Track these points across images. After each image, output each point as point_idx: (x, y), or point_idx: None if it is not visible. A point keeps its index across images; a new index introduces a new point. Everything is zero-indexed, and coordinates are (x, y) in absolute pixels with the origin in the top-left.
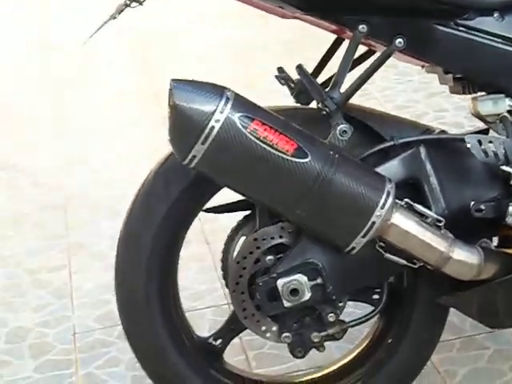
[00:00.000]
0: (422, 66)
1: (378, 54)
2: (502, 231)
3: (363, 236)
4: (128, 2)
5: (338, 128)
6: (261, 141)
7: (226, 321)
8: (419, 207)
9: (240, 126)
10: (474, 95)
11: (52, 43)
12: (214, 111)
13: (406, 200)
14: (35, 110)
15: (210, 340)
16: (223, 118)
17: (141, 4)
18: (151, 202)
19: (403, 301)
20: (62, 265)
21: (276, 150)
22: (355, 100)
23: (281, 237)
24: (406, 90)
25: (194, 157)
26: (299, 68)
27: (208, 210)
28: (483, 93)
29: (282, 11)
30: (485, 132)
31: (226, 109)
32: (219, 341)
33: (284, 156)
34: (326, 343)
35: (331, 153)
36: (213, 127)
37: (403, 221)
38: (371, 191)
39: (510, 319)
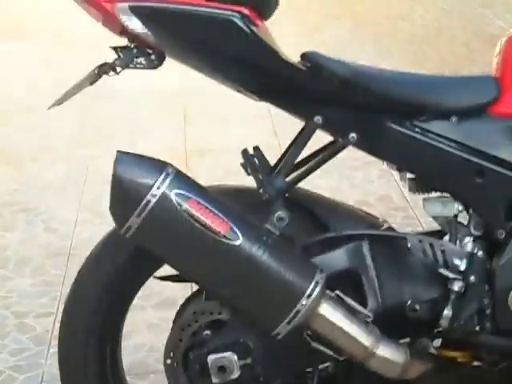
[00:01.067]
0: None
1: None
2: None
3: (288, 323)
4: (99, 71)
5: (275, 215)
6: (194, 219)
7: None
8: (349, 300)
9: (175, 203)
10: (425, 196)
11: None
12: (152, 186)
13: (337, 292)
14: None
15: None
16: (159, 193)
17: (117, 74)
18: (98, 267)
19: None
20: (49, 312)
21: (208, 229)
22: None
23: (219, 313)
24: None
25: (130, 228)
26: (243, 153)
27: (161, 278)
28: (435, 194)
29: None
30: (439, 233)
31: (163, 185)
32: None
33: (215, 237)
34: None
35: (264, 238)
36: (148, 201)
37: (330, 312)
38: (299, 279)
39: None
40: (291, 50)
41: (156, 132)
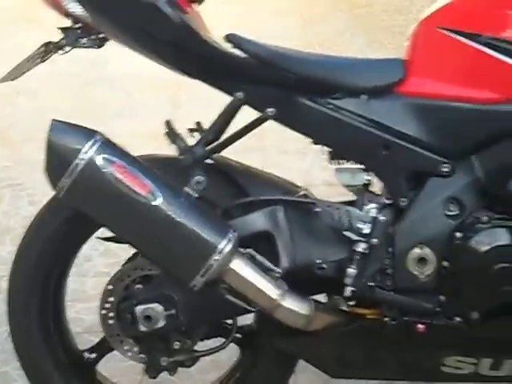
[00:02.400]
0: None
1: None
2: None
3: (202, 276)
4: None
5: (194, 179)
6: (118, 181)
7: (100, 338)
8: (260, 258)
9: (100, 167)
10: (337, 166)
11: None
12: (80, 151)
13: (249, 250)
14: None
15: (85, 354)
16: (87, 157)
17: (66, 52)
18: (42, 226)
19: (254, 341)
20: None
21: (131, 191)
22: None
23: (149, 269)
24: None
25: (62, 188)
26: (167, 123)
27: (104, 239)
28: (349, 164)
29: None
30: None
31: (91, 150)
32: (93, 355)
33: (137, 197)
34: None
35: (182, 199)
36: (77, 164)
37: (241, 267)
38: (213, 237)
39: (342, 369)
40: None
41: (145, 116)
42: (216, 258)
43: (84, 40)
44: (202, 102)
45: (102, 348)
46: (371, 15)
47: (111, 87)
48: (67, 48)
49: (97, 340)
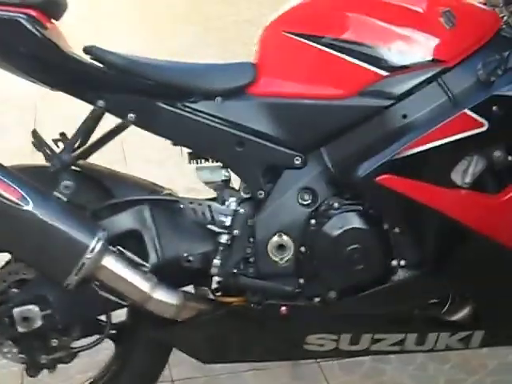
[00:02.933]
0: None
1: None
2: (221, 283)
3: (76, 274)
4: None
5: (62, 184)
6: None
7: None
8: (129, 254)
9: None
10: (197, 165)
11: None
12: None
13: (118, 247)
14: None
15: None
16: None
17: None
18: None
19: (127, 334)
20: None
21: (2, 197)
22: None
23: (24, 273)
24: None
25: None
26: (33, 132)
27: None
28: (208, 163)
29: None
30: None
31: None
32: None
33: (9, 203)
34: None
35: (52, 203)
36: None
37: (112, 264)
38: (83, 237)
39: (213, 355)
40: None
41: (5, 135)
42: (88, 256)
43: None
44: (60, 119)
45: None
46: (223, 28)
47: None
48: None
49: None
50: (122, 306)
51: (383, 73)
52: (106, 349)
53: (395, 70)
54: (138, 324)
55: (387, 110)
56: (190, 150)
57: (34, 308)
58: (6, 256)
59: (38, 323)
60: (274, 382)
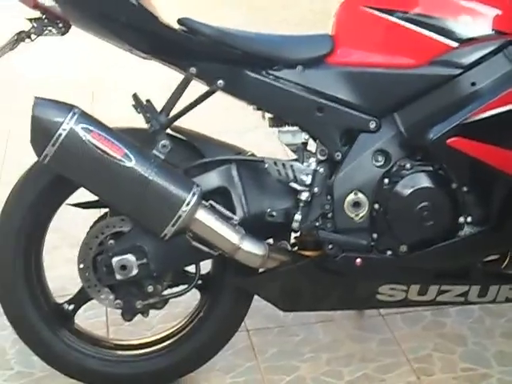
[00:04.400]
0: None
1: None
2: (299, 238)
3: (172, 225)
4: (18, 38)
5: (160, 143)
6: (96, 147)
7: (78, 290)
8: (220, 208)
9: (80, 135)
10: (280, 128)
11: None
12: (62, 122)
13: (210, 202)
14: None
15: (65, 305)
16: (68, 127)
17: (32, 41)
18: (22, 192)
19: (213, 284)
20: None
21: (107, 155)
22: None
23: (120, 226)
24: None
25: (47, 155)
26: (134, 96)
27: (74, 205)
28: (288, 127)
29: (138, 54)
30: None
31: (71, 121)
32: (71, 306)
33: (114, 160)
34: None
35: (152, 160)
36: (60, 134)
37: (205, 217)
38: (180, 191)
39: (291, 303)
40: None
41: None
42: (184, 209)
43: (50, 28)
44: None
45: (79, 299)
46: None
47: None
48: (33, 37)
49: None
50: (211, 256)
51: (453, 44)
52: (184, 301)
53: (464, 41)
54: (223, 274)
55: (457, 79)
56: (271, 115)
57: (132, 257)
58: (97, 212)
59: (135, 271)
60: (341, 332)
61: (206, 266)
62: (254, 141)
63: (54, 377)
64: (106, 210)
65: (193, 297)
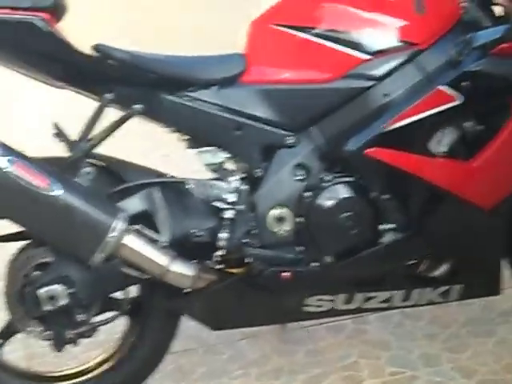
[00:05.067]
0: None
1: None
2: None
3: (100, 252)
4: None
5: (83, 170)
6: (19, 178)
7: (5, 324)
8: (146, 231)
9: (2, 167)
10: (198, 149)
11: None
12: None
13: (137, 226)
14: None
15: None
16: None
17: None
18: None
19: (142, 308)
20: None
21: (31, 185)
22: None
23: (45, 257)
24: None
25: None
26: (55, 125)
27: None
28: (206, 147)
29: (52, 83)
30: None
31: None
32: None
33: (38, 190)
34: None
35: (76, 188)
36: None
37: (132, 241)
38: (106, 217)
39: (220, 322)
40: None
41: None
42: (111, 235)
43: None
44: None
45: (7, 333)
46: None
47: None
48: None
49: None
50: (141, 281)
51: (365, 56)
52: (105, 331)
53: (375, 53)
54: (151, 297)
55: (370, 90)
56: (187, 137)
57: (59, 287)
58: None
59: (64, 301)
60: (267, 346)
61: (132, 290)
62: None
63: None
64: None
65: (115, 323)
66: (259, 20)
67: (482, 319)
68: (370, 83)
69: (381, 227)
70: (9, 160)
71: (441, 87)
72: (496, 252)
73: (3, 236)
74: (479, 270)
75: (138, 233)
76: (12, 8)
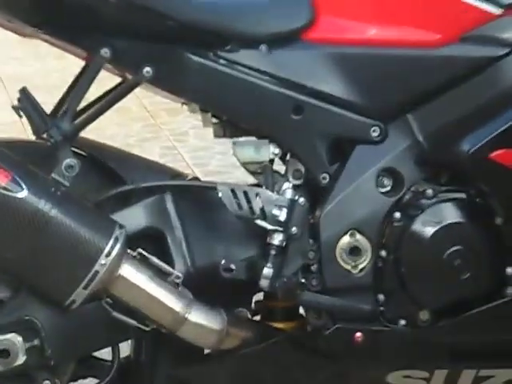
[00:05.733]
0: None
1: None
2: (265, 304)
3: (84, 287)
4: None
5: (64, 162)
6: None
7: None
8: (155, 260)
9: None
10: (234, 139)
11: None
12: None
13: (140, 250)
14: None
15: None
16: None
17: None
18: None
19: (137, 374)
20: None
21: None
22: None
23: None
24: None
25: None
26: (23, 91)
27: None
28: (246, 137)
29: (18, 28)
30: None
31: None
32: None
33: None
34: None
35: (52, 189)
36: None
37: (133, 273)
38: (96, 236)
39: None
40: None
41: None
42: (103, 262)
43: None
44: None
45: None
46: None
47: None
48: None
49: None
50: (139, 334)
51: (494, 10)
52: None
53: (509, 7)
54: (153, 360)
55: (501, 62)
56: (217, 120)
57: (15, 337)
58: None
59: (22, 358)
60: None
61: (125, 348)
62: None
63: None
64: None
65: None
66: None
67: None
68: (501, 51)
69: (508, 270)
70: None
71: None
72: None
73: None
74: None
75: (141, 260)
76: None
